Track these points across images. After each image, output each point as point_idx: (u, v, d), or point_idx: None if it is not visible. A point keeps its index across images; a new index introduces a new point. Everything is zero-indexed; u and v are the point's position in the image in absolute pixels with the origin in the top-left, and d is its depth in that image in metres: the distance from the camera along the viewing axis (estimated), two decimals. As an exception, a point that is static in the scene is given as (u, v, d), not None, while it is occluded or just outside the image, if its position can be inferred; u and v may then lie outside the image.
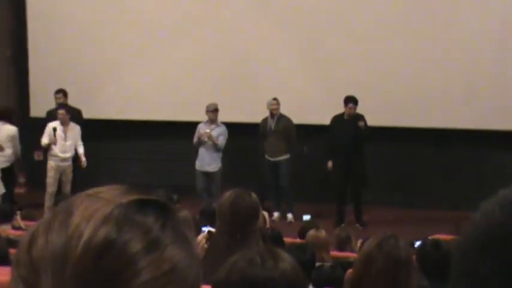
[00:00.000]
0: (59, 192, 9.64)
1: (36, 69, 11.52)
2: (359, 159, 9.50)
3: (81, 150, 9.82)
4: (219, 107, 9.83)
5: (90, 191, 0.79)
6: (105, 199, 0.76)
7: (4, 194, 9.39)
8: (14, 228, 6.89)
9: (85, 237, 0.72)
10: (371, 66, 10.25)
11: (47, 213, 8.73)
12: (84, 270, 0.71)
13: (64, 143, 9.63)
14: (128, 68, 11.10)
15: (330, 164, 9.70)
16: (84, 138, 9.89)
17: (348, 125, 9.51)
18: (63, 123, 9.62)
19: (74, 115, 10.36)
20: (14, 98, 11.69)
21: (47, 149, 9.64)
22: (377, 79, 10.23)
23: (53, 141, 9.50)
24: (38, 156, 10.13)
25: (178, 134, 10.46)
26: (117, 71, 11.15)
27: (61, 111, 9.67)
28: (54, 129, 9.50)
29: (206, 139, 9.63)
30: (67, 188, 9.72)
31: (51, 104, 10.40)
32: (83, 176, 10.03)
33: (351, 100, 9.53)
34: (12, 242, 5.94)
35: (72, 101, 10.42)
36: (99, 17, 11.21)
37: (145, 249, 0.73)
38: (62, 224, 0.74)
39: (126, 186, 0.80)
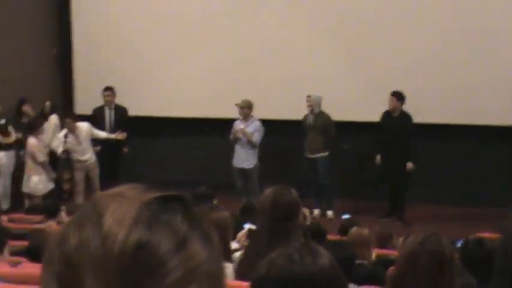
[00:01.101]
0: (90, 188, 9.85)
1: (80, 67, 11.68)
2: (402, 156, 9.40)
3: (104, 134, 9.97)
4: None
5: (112, 192, 0.83)
6: (130, 198, 0.81)
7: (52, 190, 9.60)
8: (60, 223, 7.01)
9: (120, 240, 0.76)
10: (419, 63, 10.12)
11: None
12: (123, 270, 0.75)
13: (80, 147, 9.76)
14: (170, 65, 11.18)
15: (377, 158, 9.65)
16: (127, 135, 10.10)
17: (394, 121, 9.46)
18: (71, 131, 9.67)
19: (120, 113, 10.50)
20: (59, 96, 11.87)
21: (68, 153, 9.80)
22: (427, 76, 10.10)
23: (66, 148, 9.64)
24: (66, 174, 10.45)
25: (219, 130, 10.49)
26: (159, 68, 11.24)
27: (68, 120, 9.71)
28: (65, 135, 9.63)
29: (241, 135, 9.65)
30: (95, 182, 9.93)
31: (96, 101, 10.55)
32: (123, 173, 10.20)
33: (392, 94, 9.48)
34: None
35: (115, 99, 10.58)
36: (143, 16, 11.30)
37: (175, 249, 0.77)
38: (95, 225, 0.78)
39: (143, 186, 0.84)
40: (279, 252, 1.90)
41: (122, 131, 10.16)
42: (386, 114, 9.62)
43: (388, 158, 9.49)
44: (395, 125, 9.43)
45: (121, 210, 0.79)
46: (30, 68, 11.12)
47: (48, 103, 10.69)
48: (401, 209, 9.66)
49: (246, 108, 9.72)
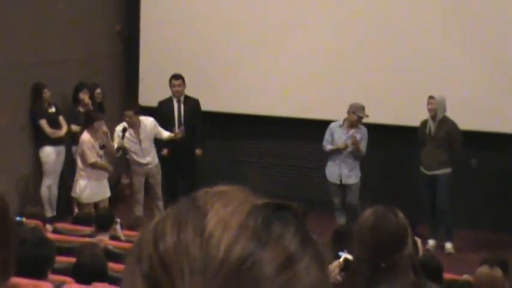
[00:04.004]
0: (147, 197, 9.96)
1: (148, 50, 11.87)
2: None
3: (167, 134, 9.99)
4: (364, 105, 9.74)
5: (215, 190, 0.90)
6: (237, 200, 0.87)
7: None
8: (113, 238, 7.18)
9: (222, 250, 0.82)
10: None
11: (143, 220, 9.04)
12: (222, 281, 0.81)
13: (140, 147, 9.80)
14: (255, 53, 11.23)
15: None
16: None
17: None
18: (132, 126, 9.69)
19: (192, 106, 10.57)
20: (120, 82, 12.12)
21: (124, 153, 9.90)
22: None
23: (121, 144, 9.65)
24: (125, 178, 10.60)
25: (313, 133, 10.47)
26: (241, 57, 11.30)
27: (128, 113, 9.67)
28: (124, 130, 9.64)
29: (350, 145, 9.61)
30: (158, 191, 10.01)
31: (162, 92, 10.68)
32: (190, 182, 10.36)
33: None
34: (111, 255, 6.21)
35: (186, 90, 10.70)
36: (222, 3, 11.45)
37: (280, 268, 0.83)
38: (196, 225, 0.85)
39: (250, 189, 0.91)
40: None
41: (192, 134, 10.29)
42: None
43: None
44: None
45: (226, 211, 0.85)
46: (91, 48, 11.42)
47: (99, 90, 10.87)
48: None
49: (359, 118, 9.63)
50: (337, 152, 9.73)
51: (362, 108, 9.63)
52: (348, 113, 9.67)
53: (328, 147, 9.78)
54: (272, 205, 0.87)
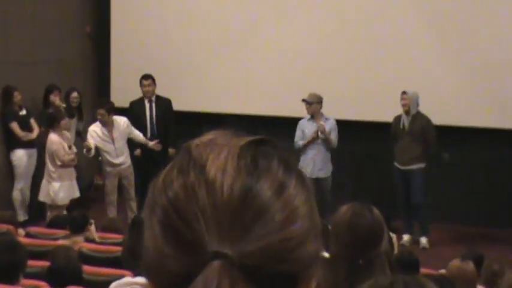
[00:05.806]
0: (121, 198, 9.88)
1: (118, 51, 11.79)
2: None
3: (142, 138, 10.02)
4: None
5: (204, 139, 1.05)
6: (225, 145, 1.03)
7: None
8: (88, 240, 7.13)
9: (226, 191, 0.97)
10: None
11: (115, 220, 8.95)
12: (232, 216, 0.96)
13: (113, 147, 9.74)
14: (224, 53, 11.23)
15: None
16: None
17: None
18: (105, 125, 9.66)
19: (164, 107, 10.57)
20: (91, 84, 12.05)
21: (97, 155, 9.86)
22: None
23: (91, 144, 9.50)
24: (99, 180, 10.48)
25: (282, 130, 10.47)
26: (211, 56, 11.29)
27: (100, 111, 9.66)
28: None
29: (319, 134, 9.64)
30: (131, 192, 9.95)
31: (134, 92, 10.64)
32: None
33: None
34: (86, 257, 6.15)
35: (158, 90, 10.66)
36: (192, 2, 11.41)
37: (275, 193, 0.99)
38: (199, 173, 1.00)
39: (229, 130, 1.08)
40: (371, 285, 1.83)
41: (164, 133, 10.28)
42: None
43: None
44: None
45: (221, 159, 1.01)
46: (61, 50, 11.33)
47: (75, 94, 10.77)
48: None
49: (316, 104, 9.71)
50: (310, 145, 9.76)
51: (314, 95, 9.69)
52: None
53: (299, 143, 9.82)
54: (253, 143, 1.03)
